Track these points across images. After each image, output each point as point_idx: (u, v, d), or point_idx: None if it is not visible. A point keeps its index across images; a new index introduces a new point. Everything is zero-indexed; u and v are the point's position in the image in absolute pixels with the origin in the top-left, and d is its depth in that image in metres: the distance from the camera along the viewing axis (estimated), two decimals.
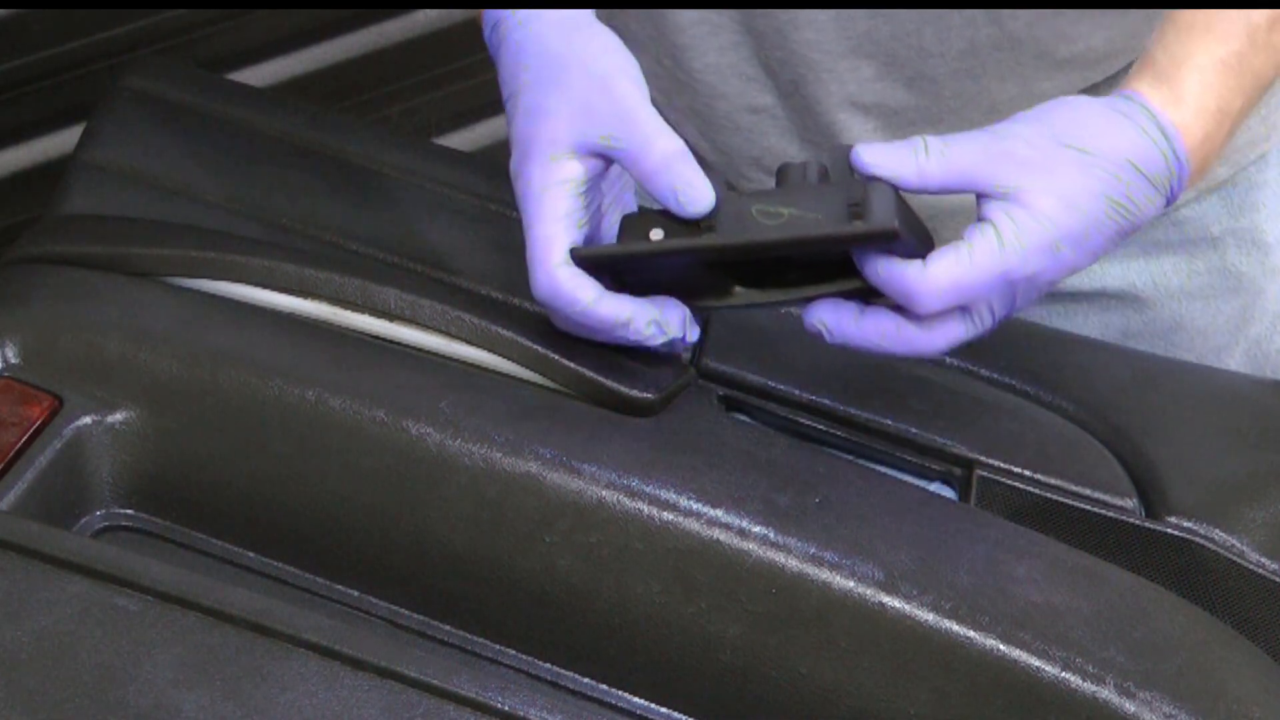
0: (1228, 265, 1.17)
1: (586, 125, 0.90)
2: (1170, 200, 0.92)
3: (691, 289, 0.93)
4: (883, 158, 0.88)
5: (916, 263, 0.88)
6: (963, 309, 0.90)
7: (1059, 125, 0.90)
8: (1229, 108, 0.93)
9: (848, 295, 0.92)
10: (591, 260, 0.91)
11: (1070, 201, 0.88)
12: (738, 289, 0.93)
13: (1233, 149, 1.13)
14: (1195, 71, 0.93)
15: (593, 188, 0.92)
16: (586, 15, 0.93)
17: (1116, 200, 0.89)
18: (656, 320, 0.91)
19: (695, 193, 0.89)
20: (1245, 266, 1.17)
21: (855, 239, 0.88)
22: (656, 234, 0.90)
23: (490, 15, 0.96)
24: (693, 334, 0.93)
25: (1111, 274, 1.16)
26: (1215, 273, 1.17)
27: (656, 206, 0.91)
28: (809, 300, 0.92)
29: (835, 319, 0.91)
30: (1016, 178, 0.88)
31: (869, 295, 0.91)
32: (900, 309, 0.90)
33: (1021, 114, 0.92)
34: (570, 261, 0.90)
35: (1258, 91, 0.95)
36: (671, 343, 0.93)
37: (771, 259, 0.92)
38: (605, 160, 0.91)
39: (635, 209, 0.95)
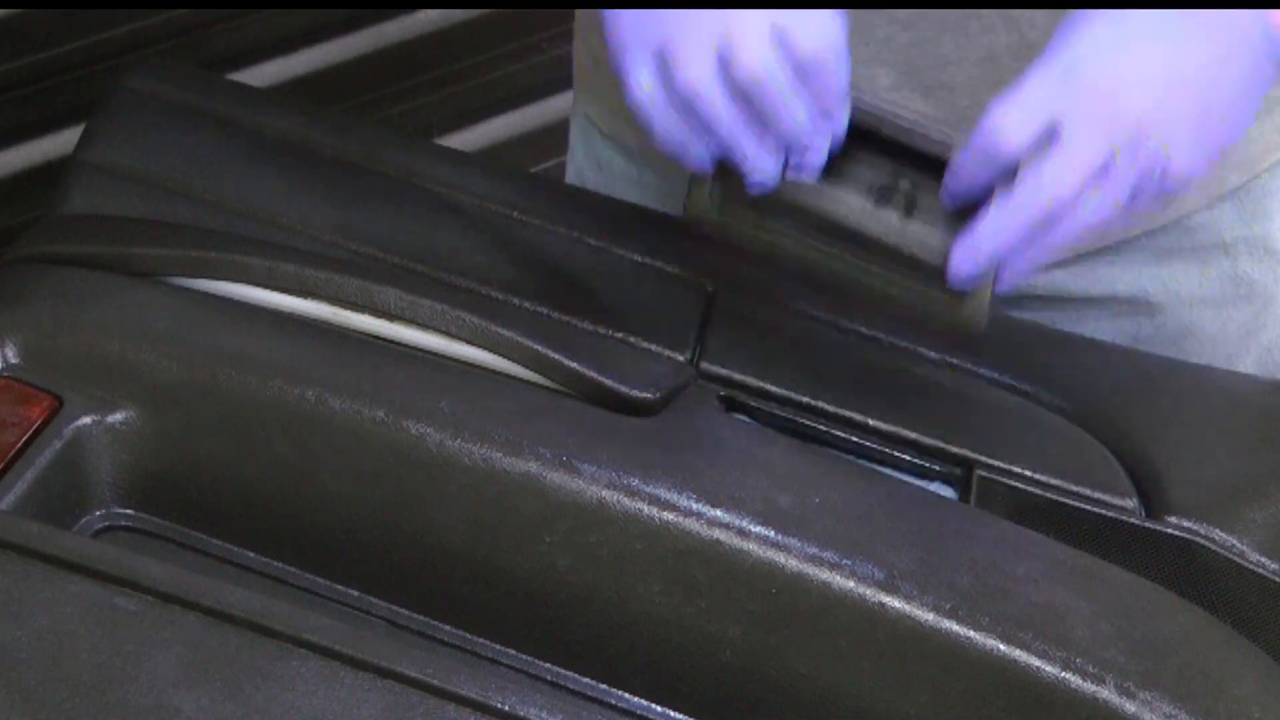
0: (1240, 272, 1.17)
1: None
2: None
3: None
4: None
5: None
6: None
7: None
8: None
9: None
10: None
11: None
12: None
13: (1246, 156, 1.13)
14: None
15: None
16: None
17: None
18: None
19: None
20: (1257, 274, 1.17)
21: (935, 322, 0.92)
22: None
23: None
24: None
25: (1123, 279, 1.16)
26: (1227, 280, 1.17)
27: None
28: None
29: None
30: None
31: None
32: None
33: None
34: None
35: None
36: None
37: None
38: None
39: None
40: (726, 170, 0.92)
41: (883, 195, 0.92)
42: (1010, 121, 0.88)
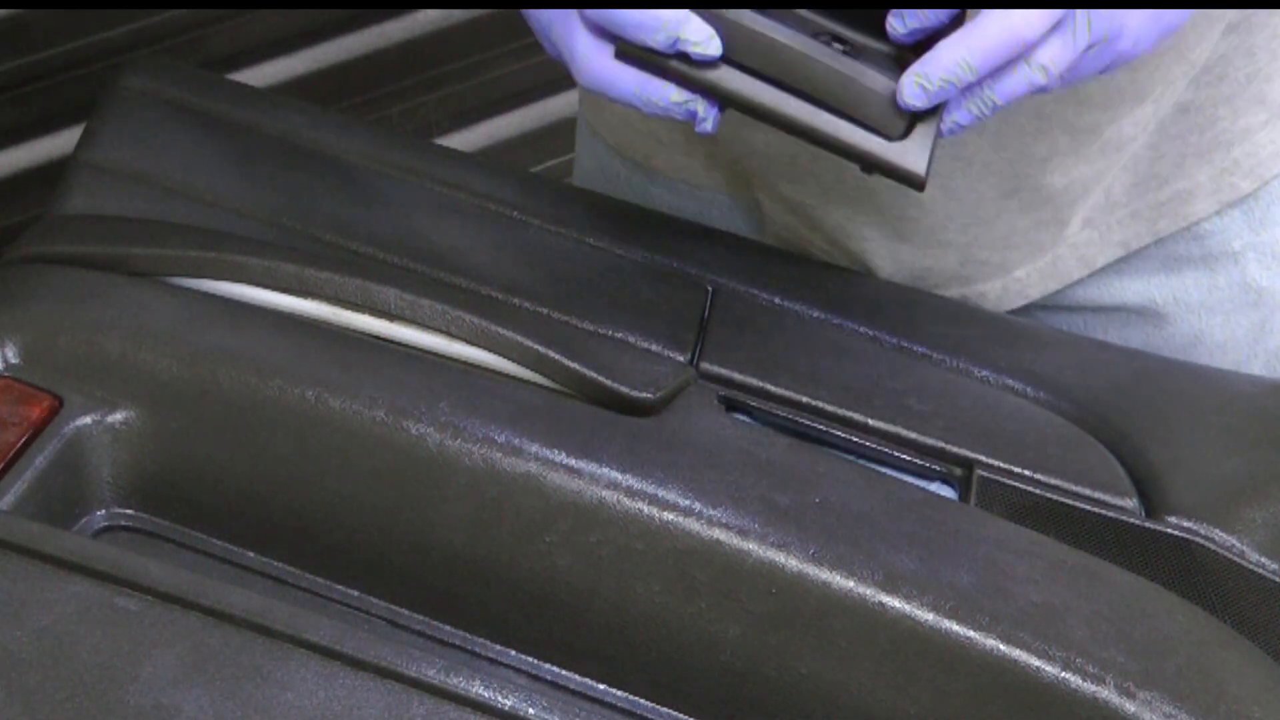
0: (1248, 280, 1.17)
1: None
2: None
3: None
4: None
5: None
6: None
7: None
8: None
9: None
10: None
11: None
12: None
13: (1256, 163, 1.13)
14: None
15: None
16: None
17: None
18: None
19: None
20: (1265, 280, 1.17)
21: (875, 164, 0.89)
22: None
23: None
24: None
25: (1132, 289, 1.16)
26: (1236, 287, 1.17)
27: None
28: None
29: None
30: None
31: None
32: None
33: None
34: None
35: None
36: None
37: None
38: None
39: None
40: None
41: (827, 39, 0.92)
42: None
